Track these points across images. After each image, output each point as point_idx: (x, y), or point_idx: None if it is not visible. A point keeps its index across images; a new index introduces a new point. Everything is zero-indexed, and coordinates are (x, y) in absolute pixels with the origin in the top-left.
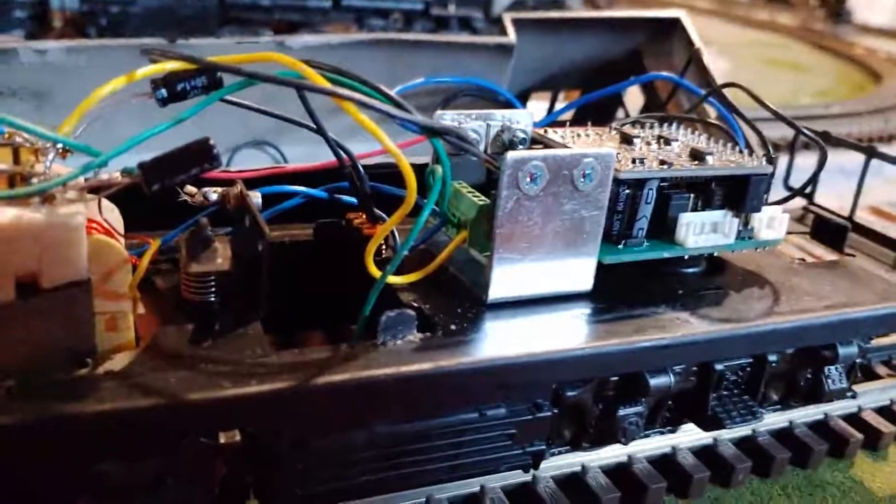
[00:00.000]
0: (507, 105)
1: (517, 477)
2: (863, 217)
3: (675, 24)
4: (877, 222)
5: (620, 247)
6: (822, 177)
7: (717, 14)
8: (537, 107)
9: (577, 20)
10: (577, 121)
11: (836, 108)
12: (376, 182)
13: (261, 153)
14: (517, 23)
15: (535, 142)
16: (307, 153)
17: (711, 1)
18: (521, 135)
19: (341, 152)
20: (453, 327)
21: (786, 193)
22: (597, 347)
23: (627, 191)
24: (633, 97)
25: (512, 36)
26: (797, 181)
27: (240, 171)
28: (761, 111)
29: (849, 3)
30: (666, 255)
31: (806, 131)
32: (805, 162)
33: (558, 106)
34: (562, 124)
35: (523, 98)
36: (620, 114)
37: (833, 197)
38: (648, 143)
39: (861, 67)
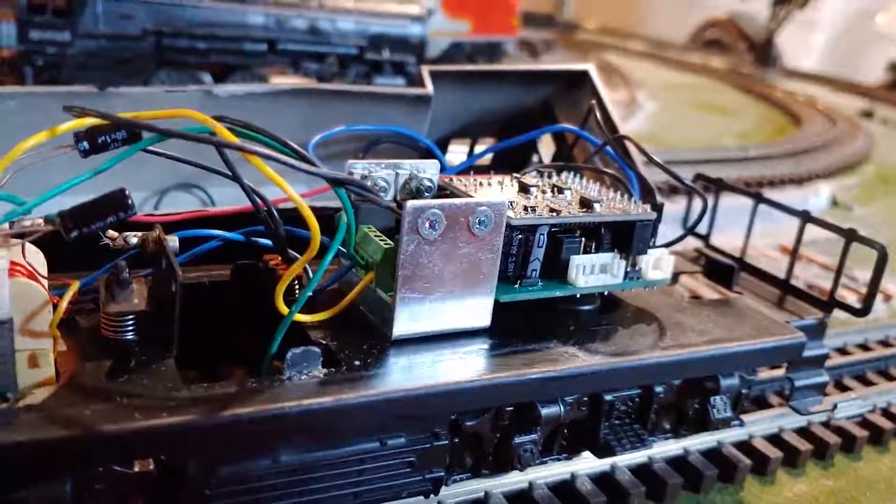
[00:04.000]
0: (427, 151)
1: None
2: (773, 255)
3: (584, 76)
4: (784, 259)
5: (516, 286)
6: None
7: (651, 57)
8: (460, 150)
9: (492, 73)
10: (497, 165)
11: (752, 150)
12: (295, 226)
13: (189, 195)
14: (434, 75)
15: (441, 189)
16: (234, 196)
17: (646, 45)
18: (428, 183)
19: (256, 198)
20: (357, 363)
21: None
22: (489, 380)
23: (520, 236)
24: (550, 143)
25: (429, 87)
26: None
27: (163, 216)
28: (684, 154)
29: (778, 48)
30: (558, 293)
31: (685, 180)
32: (736, 202)
33: (478, 150)
34: (482, 169)
35: (444, 144)
36: (536, 158)
37: (758, 235)
38: (543, 192)
39: (783, 111)
